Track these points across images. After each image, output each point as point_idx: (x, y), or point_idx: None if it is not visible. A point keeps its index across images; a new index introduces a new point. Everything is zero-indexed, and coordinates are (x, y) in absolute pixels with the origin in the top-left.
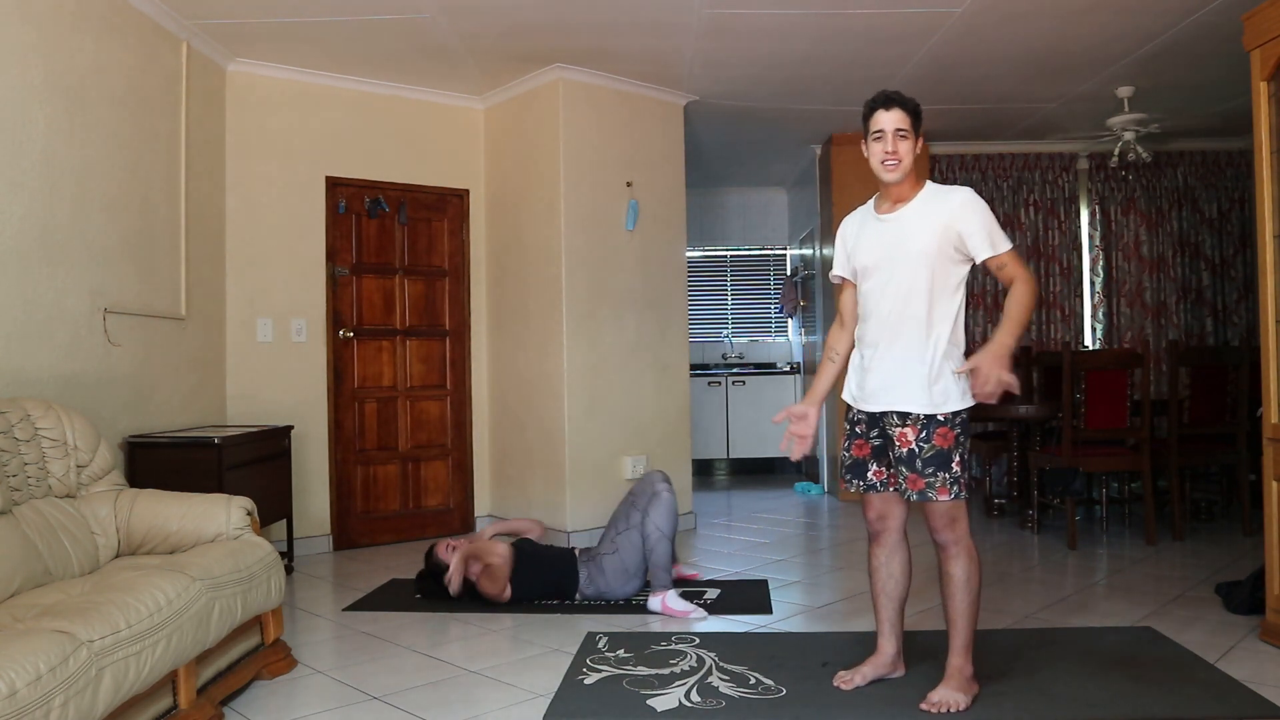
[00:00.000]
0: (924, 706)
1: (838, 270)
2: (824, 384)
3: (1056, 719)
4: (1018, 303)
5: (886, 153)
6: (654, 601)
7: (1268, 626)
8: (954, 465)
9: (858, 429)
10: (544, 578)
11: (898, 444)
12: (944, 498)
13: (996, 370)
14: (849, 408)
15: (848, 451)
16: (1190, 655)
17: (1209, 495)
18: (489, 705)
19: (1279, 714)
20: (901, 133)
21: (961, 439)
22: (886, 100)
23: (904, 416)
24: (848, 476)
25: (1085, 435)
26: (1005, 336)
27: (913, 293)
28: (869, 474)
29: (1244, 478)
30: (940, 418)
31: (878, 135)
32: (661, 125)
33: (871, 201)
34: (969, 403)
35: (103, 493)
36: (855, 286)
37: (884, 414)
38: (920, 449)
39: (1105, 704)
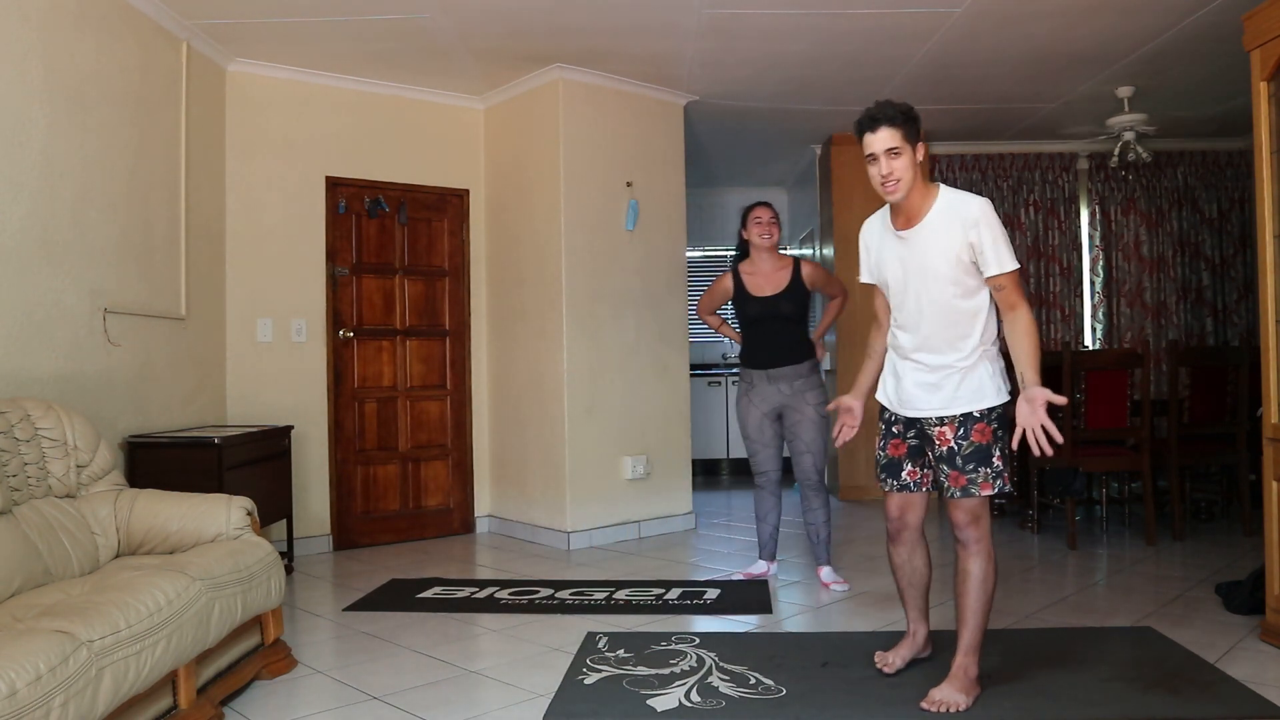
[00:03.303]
0: (925, 705)
1: (865, 277)
2: (866, 380)
3: (1056, 719)
4: (1029, 336)
5: (883, 175)
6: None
7: (1268, 626)
8: (994, 460)
9: (894, 429)
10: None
11: (937, 443)
12: (987, 492)
13: (1034, 422)
14: (883, 409)
15: (883, 451)
16: (1190, 655)
17: (1209, 495)
18: (489, 705)
19: (1279, 714)
20: (894, 151)
21: (1000, 433)
22: (871, 121)
23: (941, 417)
24: (882, 475)
25: (1085, 435)
26: (1033, 378)
27: (938, 305)
28: (904, 474)
29: (1244, 478)
30: (976, 414)
31: (870, 159)
32: (661, 125)
33: (884, 214)
34: (1004, 398)
35: (103, 493)
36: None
37: (921, 417)
38: (959, 446)
39: (1105, 704)
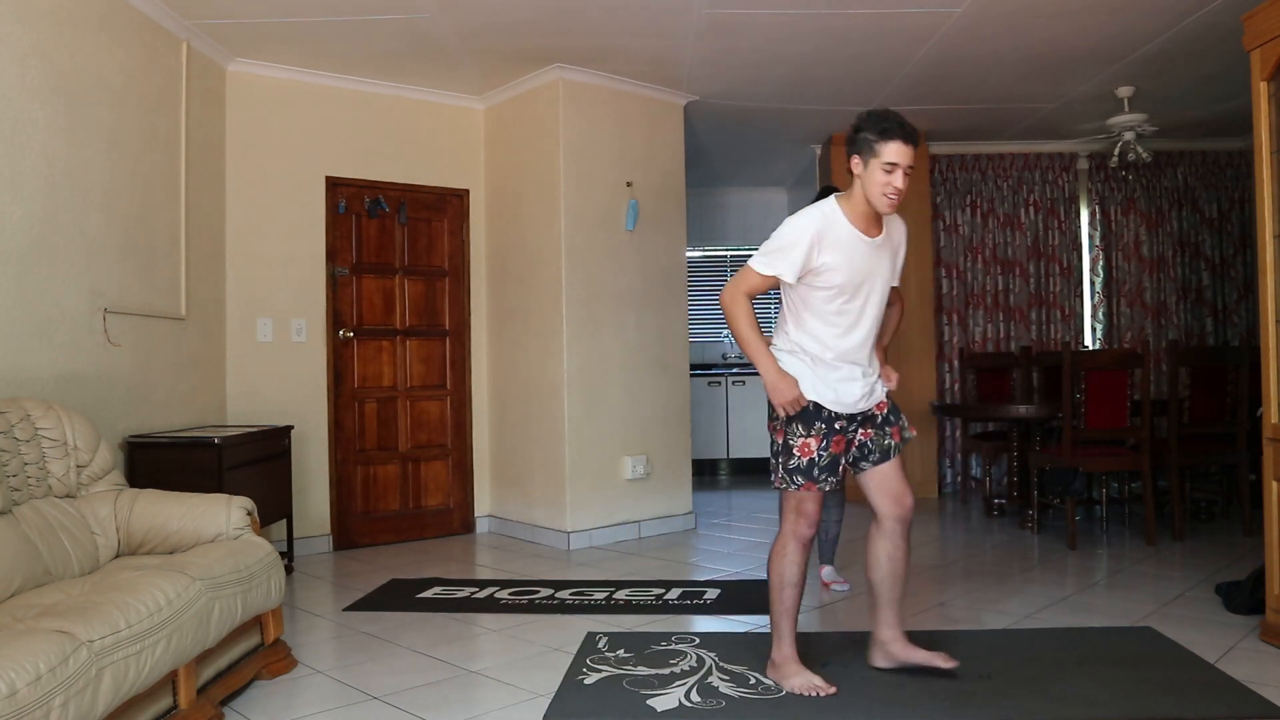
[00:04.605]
0: (941, 664)
1: (790, 276)
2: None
3: (1056, 719)
4: (900, 321)
5: (895, 188)
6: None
7: (1268, 626)
8: None
9: (837, 425)
10: None
11: (877, 413)
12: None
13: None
14: (819, 407)
15: (825, 450)
16: (1190, 655)
17: (1209, 495)
18: (489, 705)
19: (1279, 714)
20: (910, 169)
21: None
22: (906, 135)
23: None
24: (823, 476)
25: (1085, 435)
26: (888, 345)
27: (877, 312)
28: (840, 468)
29: (1244, 478)
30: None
31: (889, 167)
32: (661, 125)
33: (839, 214)
34: None
35: (103, 493)
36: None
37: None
38: (891, 405)
39: (1105, 704)
